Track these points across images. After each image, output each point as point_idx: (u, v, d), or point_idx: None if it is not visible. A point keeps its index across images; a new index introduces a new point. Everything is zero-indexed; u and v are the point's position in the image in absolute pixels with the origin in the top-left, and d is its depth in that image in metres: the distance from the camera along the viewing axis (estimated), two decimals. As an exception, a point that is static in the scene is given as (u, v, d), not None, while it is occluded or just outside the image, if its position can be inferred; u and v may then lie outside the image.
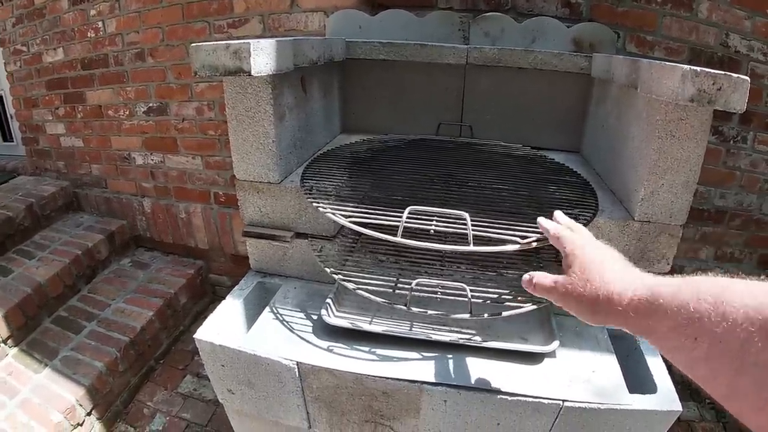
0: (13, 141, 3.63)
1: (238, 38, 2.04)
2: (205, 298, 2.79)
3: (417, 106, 1.64)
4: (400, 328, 1.10)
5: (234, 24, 2.06)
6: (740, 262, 2.05)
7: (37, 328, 2.29)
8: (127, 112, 2.56)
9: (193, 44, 1.03)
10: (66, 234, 2.73)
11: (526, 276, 0.73)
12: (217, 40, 1.02)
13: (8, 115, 3.53)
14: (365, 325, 1.10)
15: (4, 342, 2.13)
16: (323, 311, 1.11)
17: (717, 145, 1.84)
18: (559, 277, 0.68)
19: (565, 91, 1.56)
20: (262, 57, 1.02)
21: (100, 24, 2.43)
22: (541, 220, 0.83)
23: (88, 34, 2.49)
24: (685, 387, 2.03)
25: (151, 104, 2.46)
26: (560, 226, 0.80)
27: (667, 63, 0.93)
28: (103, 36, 2.44)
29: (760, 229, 1.98)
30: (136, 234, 2.91)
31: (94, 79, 2.59)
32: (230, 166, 2.35)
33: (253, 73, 0.99)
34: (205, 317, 2.58)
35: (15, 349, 2.17)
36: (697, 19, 1.65)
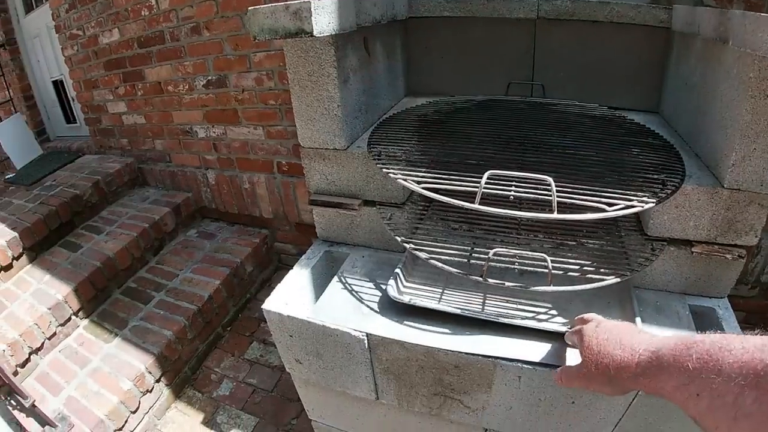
0: (76, 122, 3.80)
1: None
2: (270, 266, 2.84)
3: (484, 65, 1.55)
4: (472, 306, 1.05)
5: (289, -10, 2.01)
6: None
7: (107, 300, 2.41)
8: (187, 87, 2.59)
9: (249, 8, 0.99)
10: (133, 208, 2.84)
11: (555, 376, 0.80)
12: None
13: (70, 98, 3.68)
14: (433, 303, 1.04)
15: (75, 314, 2.24)
16: (389, 288, 1.06)
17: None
18: (578, 365, 0.75)
19: (643, 47, 1.43)
20: (324, 16, 0.97)
21: (153, 1, 2.45)
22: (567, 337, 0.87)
23: (142, 13, 2.52)
24: None
25: (210, 77, 2.48)
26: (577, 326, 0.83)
27: (762, 14, 0.81)
28: (157, 13, 2.47)
29: None
30: (201, 205, 2.98)
31: (151, 56, 2.63)
32: (292, 135, 2.36)
33: (315, 33, 0.94)
34: (271, 285, 2.68)
35: (86, 321, 2.29)
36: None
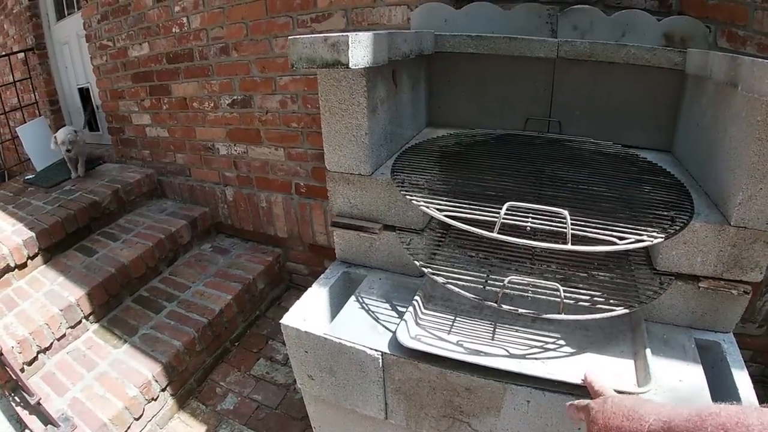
0: (99, 131, 3.88)
1: (321, 32, 2.07)
2: (281, 284, 2.86)
3: (504, 100, 1.61)
4: (481, 344, 1.06)
5: (317, 18, 2.10)
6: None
7: (119, 306, 2.44)
8: (212, 105, 2.67)
9: (290, 37, 1.05)
10: (150, 219, 2.90)
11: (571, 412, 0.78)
12: (300, 35, 1.04)
13: (95, 106, 3.77)
14: (438, 350, 1.03)
15: (86, 317, 2.28)
16: (399, 331, 1.06)
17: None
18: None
19: (657, 88, 1.48)
20: (360, 50, 1.03)
21: (184, 20, 2.54)
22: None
23: (173, 30, 2.62)
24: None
25: (235, 97, 2.55)
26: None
27: None
28: (188, 31, 2.56)
29: None
30: (218, 221, 3.03)
31: (179, 72, 2.72)
32: (312, 158, 2.43)
33: (350, 65, 1.00)
34: (281, 303, 2.71)
35: (96, 325, 2.32)
36: (790, 14, 1.52)
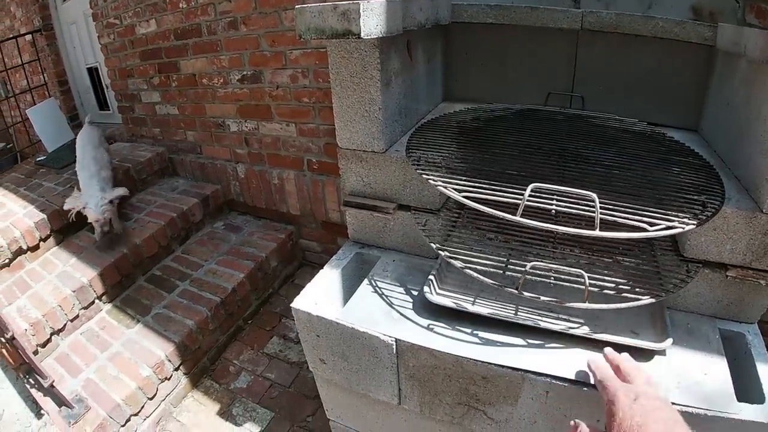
0: (109, 110, 3.88)
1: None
2: (294, 262, 2.84)
3: (524, 74, 1.54)
4: (506, 312, 1.04)
5: (328, -12, 2.02)
6: None
7: (131, 286, 2.44)
8: (222, 81, 2.62)
9: (297, 6, 1.00)
10: (162, 197, 2.88)
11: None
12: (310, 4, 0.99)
13: (104, 85, 3.76)
14: (470, 306, 1.05)
15: (99, 298, 2.28)
16: (426, 288, 1.07)
17: None
18: None
19: (685, 64, 1.40)
20: (372, 18, 0.97)
21: (191, -6, 2.48)
22: (590, 360, 0.84)
23: (180, 5, 2.56)
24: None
25: (245, 72, 2.50)
26: (608, 370, 0.79)
27: None
28: (195, 6, 2.50)
29: None
30: (230, 198, 3.01)
31: (187, 48, 2.67)
32: (324, 133, 2.37)
33: (362, 35, 0.95)
34: (294, 281, 2.70)
35: (109, 305, 2.33)
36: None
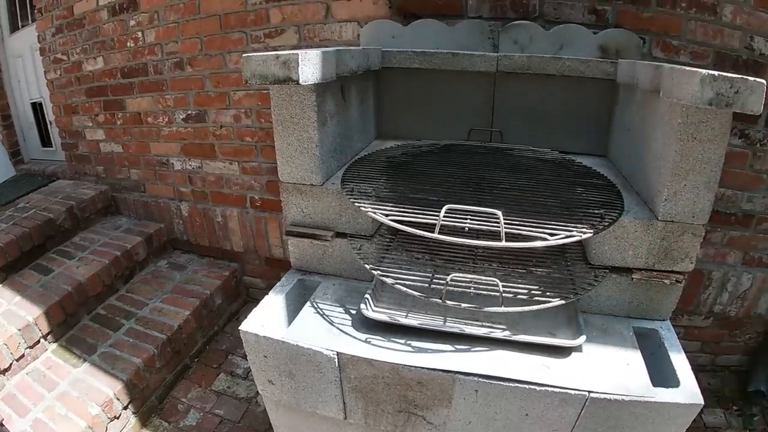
0: (52, 146, 3.76)
1: (274, 48, 2.12)
2: (239, 299, 2.86)
3: (448, 112, 1.70)
4: (435, 322, 1.16)
5: (270, 34, 2.14)
6: (768, 266, 2.04)
7: (77, 325, 2.38)
8: (167, 119, 2.66)
9: (244, 55, 1.11)
10: (105, 236, 2.84)
11: None
12: (254, 50, 1.10)
13: (48, 121, 3.66)
14: (402, 318, 1.16)
15: (44, 337, 2.22)
16: (362, 305, 1.17)
17: (743, 149, 1.82)
18: None
19: (592, 97, 1.59)
20: (309, 67, 1.09)
21: (139, 34, 2.53)
22: None
23: (128, 44, 2.60)
24: (712, 394, 2.02)
25: (189, 111, 2.56)
26: None
27: (687, 68, 0.97)
28: (143, 46, 2.55)
29: (788, 233, 1.97)
30: (173, 237, 2.99)
31: (133, 87, 2.70)
32: (266, 171, 2.46)
33: (300, 81, 1.06)
34: (239, 318, 2.71)
35: (54, 345, 2.26)
36: (722, 23, 1.65)
